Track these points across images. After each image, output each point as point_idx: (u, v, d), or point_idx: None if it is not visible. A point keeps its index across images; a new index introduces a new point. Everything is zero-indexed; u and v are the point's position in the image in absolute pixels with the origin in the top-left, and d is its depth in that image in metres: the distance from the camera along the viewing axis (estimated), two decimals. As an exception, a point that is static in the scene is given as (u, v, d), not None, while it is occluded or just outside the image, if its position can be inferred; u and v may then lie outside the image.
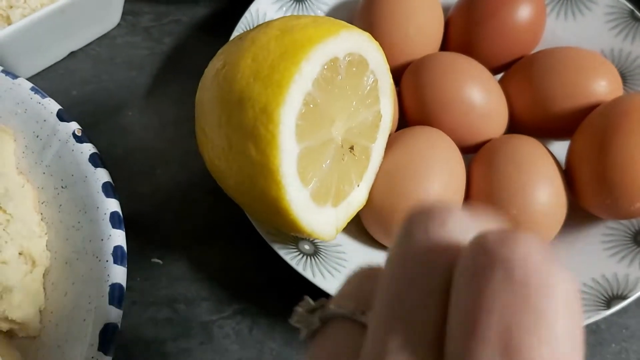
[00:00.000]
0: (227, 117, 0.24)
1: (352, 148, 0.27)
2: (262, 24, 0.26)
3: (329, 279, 0.28)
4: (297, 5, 0.37)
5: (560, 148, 0.31)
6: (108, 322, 0.24)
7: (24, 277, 0.27)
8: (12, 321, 0.26)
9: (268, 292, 0.31)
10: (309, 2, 0.37)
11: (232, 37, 0.33)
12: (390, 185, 0.28)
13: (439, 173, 0.28)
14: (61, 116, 0.30)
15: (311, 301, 0.15)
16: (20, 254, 0.27)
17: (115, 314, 0.24)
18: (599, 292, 0.28)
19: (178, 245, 0.33)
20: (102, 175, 0.28)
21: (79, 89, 0.38)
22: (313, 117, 0.24)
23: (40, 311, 0.27)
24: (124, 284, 0.25)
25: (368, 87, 0.27)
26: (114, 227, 0.27)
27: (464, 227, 0.12)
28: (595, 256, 0.29)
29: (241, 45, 0.25)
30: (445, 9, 0.35)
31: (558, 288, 0.10)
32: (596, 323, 0.30)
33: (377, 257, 0.30)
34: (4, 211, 0.28)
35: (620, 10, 0.35)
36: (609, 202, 0.28)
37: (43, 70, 0.39)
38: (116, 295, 0.25)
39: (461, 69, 0.31)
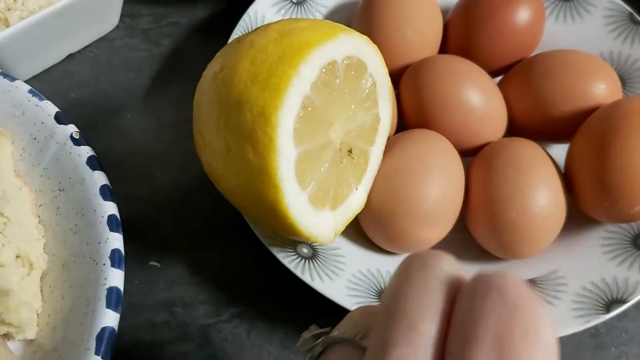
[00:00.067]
0: (225, 120, 0.24)
1: (350, 151, 0.27)
2: (260, 26, 0.26)
3: (328, 283, 0.28)
4: (296, 8, 0.37)
5: (560, 151, 0.31)
6: (105, 325, 0.24)
7: (21, 280, 0.27)
8: (9, 324, 0.26)
9: (266, 296, 0.31)
10: (307, 4, 0.37)
11: (230, 40, 0.33)
12: (389, 188, 0.28)
13: (437, 176, 0.28)
14: (59, 119, 0.30)
15: (316, 328, 0.16)
16: (17, 256, 0.27)
17: (112, 318, 0.24)
18: (598, 295, 0.28)
19: (176, 247, 0.33)
20: (99, 178, 0.28)
21: (77, 92, 0.38)
22: (311, 120, 0.24)
23: (37, 314, 0.27)
24: (121, 287, 0.25)
25: (366, 90, 0.27)
26: (111, 230, 0.26)
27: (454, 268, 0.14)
28: (595, 260, 0.29)
29: (239, 48, 0.25)
30: (444, 12, 0.35)
31: (541, 310, 0.12)
32: (596, 327, 0.30)
33: (375, 261, 0.30)
34: (2, 214, 0.28)
35: (619, 13, 0.35)
36: (608, 205, 0.28)
37: (41, 73, 0.39)
38: (113, 298, 0.25)
39: (460, 72, 0.31)
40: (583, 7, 0.36)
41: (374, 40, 0.27)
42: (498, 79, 0.34)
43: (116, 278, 0.25)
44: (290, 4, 0.37)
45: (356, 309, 0.16)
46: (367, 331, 0.14)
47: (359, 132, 0.27)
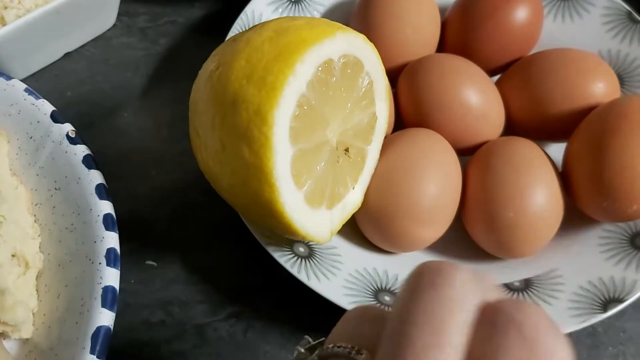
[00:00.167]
0: (221, 118, 0.23)
1: (347, 150, 0.27)
2: (256, 25, 0.26)
3: (324, 282, 0.28)
4: (293, 6, 0.37)
5: (557, 150, 0.31)
6: (101, 324, 0.24)
7: (16, 279, 0.27)
8: (4, 323, 0.26)
9: (263, 295, 0.31)
10: (305, 3, 0.37)
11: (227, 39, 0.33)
12: (386, 187, 0.28)
13: (435, 175, 0.28)
14: (55, 117, 0.30)
15: (310, 340, 0.16)
16: (13, 255, 0.27)
17: (108, 317, 0.24)
18: (595, 295, 0.28)
19: (172, 247, 0.32)
20: (95, 177, 0.28)
21: (74, 90, 0.38)
22: (307, 119, 0.24)
23: (33, 313, 0.27)
24: (116, 286, 0.25)
25: (363, 89, 0.27)
26: (107, 229, 0.26)
27: (467, 284, 0.14)
28: (592, 259, 0.29)
29: (235, 46, 0.25)
30: (442, 10, 0.35)
31: (560, 348, 0.13)
32: (593, 326, 0.30)
33: (372, 260, 0.30)
34: (-3, 213, 0.28)
35: (617, 11, 0.35)
36: (606, 204, 0.28)
37: (37, 72, 0.38)
38: (109, 297, 0.25)
39: (458, 71, 0.31)
40: (581, 5, 0.36)
41: (371, 38, 0.27)
42: (496, 77, 0.34)
43: (112, 277, 0.25)
44: (288, 2, 0.37)
45: (351, 310, 0.16)
46: (362, 343, 0.14)
47: (355, 131, 0.27)
